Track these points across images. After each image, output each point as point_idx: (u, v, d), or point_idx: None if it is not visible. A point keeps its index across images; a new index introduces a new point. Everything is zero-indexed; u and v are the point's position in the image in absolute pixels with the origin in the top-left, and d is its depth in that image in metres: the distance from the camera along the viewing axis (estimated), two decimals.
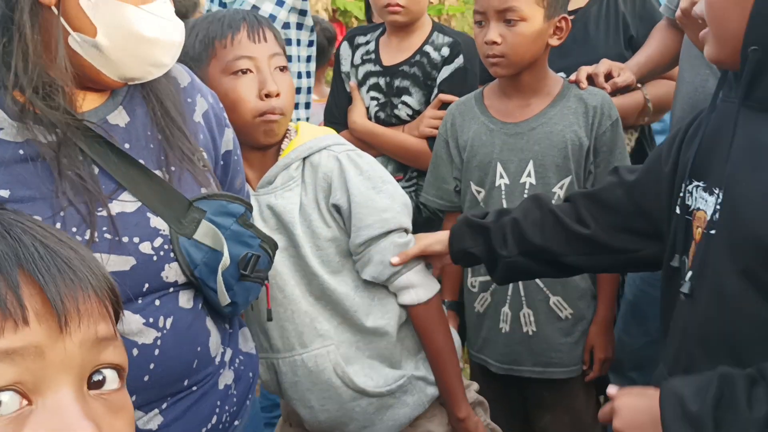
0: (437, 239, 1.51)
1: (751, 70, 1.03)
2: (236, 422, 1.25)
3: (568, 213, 1.39)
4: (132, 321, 1.05)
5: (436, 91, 2.07)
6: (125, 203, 1.06)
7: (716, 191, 1.09)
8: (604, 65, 1.82)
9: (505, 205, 1.72)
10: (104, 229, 1.03)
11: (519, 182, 1.72)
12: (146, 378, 1.07)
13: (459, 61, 2.06)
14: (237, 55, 1.37)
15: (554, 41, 1.70)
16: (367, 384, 1.45)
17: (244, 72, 1.38)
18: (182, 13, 2.76)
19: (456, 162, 1.81)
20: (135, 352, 1.05)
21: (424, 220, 2.01)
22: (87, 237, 1.01)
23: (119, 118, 1.10)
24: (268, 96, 1.38)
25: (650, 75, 1.95)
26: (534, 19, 1.64)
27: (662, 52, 1.94)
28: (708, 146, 1.14)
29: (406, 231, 1.48)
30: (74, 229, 1.00)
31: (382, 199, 1.43)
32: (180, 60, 1.32)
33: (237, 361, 1.26)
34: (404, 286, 1.47)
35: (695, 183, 1.16)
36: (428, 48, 2.09)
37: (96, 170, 1.05)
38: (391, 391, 1.47)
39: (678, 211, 1.19)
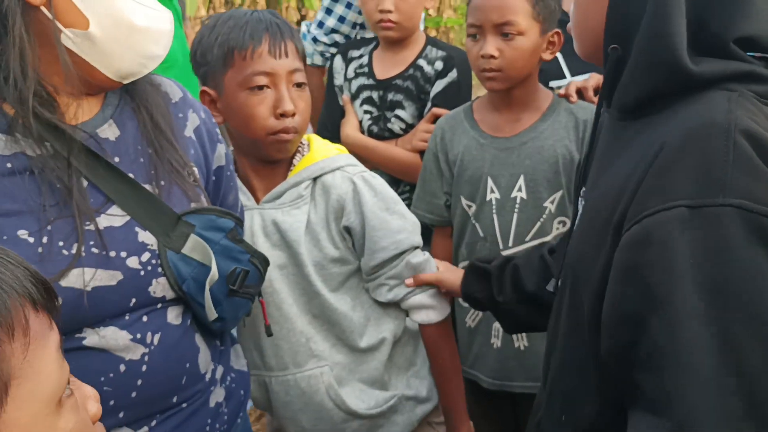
0: (455, 275, 1.51)
1: (610, 71, 0.95)
2: None
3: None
4: (119, 337, 1.05)
5: (429, 104, 2.07)
6: (113, 217, 1.05)
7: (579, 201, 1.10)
8: (594, 79, 1.82)
9: (495, 220, 1.72)
10: (91, 243, 1.02)
11: (510, 197, 1.71)
12: (134, 394, 1.07)
13: (452, 75, 2.06)
14: (256, 71, 1.34)
15: (547, 56, 1.70)
16: (359, 406, 1.45)
17: (261, 88, 1.35)
18: None
19: (446, 176, 1.81)
20: (122, 368, 1.05)
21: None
22: (74, 251, 1.00)
23: (109, 131, 1.10)
24: (283, 115, 1.35)
25: None
26: (531, 34, 1.64)
27: None
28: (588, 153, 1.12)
29: (419, 248, 1.48)
30: (61, 243, 1.00)
31: (396, 221, 1.43)
32: (196, 62, 1.40)
33: (228, 378, 1.25)
34: (417, 306, 1.48)
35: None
36: (422, 62, 2.10)
37: (85, 183, 1.04)
38: (382, 412, 1.47)
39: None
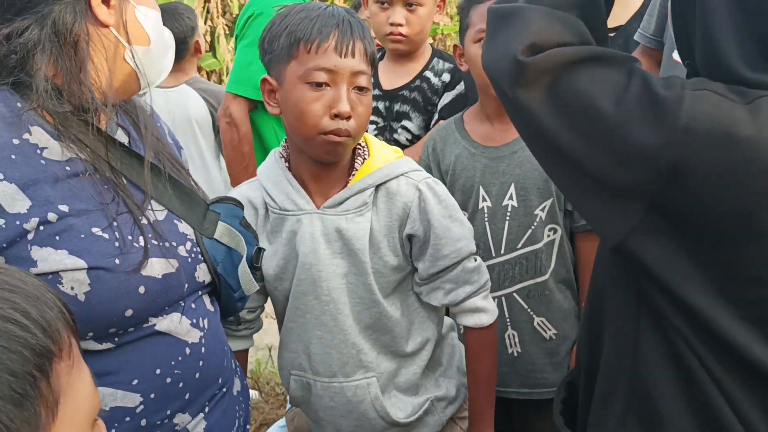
0: None
1: None
2: (248, 426, 1.30)
3: None
4: (183, 322, 1.11)
5: (436, 116, 2.08)
6: (155, 211, 1.12)
7: None
8: None
9: (488, 228, 1.75)
10: (150, 235, 1.08)
11: (501, 205, 1.74)
12: (197, 375, 1.13)
13: (460, 87, 2.09)
14: (318, 66, 1.29)
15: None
16: (398, 415, 1.45)
17: (320, 85, 1.30)
18: (181, 39, 2.82)
19: None
20: (187, 351, 1.11)
21: None
22: (142, 243, 1.05)
23: (122, 137, 1.15)
24: (337, 116, 1.30)
25: None
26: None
27: None
28: None
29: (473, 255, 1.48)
30: (129, 237, 1.05)
31: (456, 228, 1.42)
32: (263, 48, 1.38)
33: (238, 370, 1.31)
34: (472, 309, 1.47)
35: None
36: (428, 74, 2.12)
37: (125, 182, 1.10)
38: (419, 417, 1.48)
39: None
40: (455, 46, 1.80)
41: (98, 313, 1.00)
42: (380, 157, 1.41)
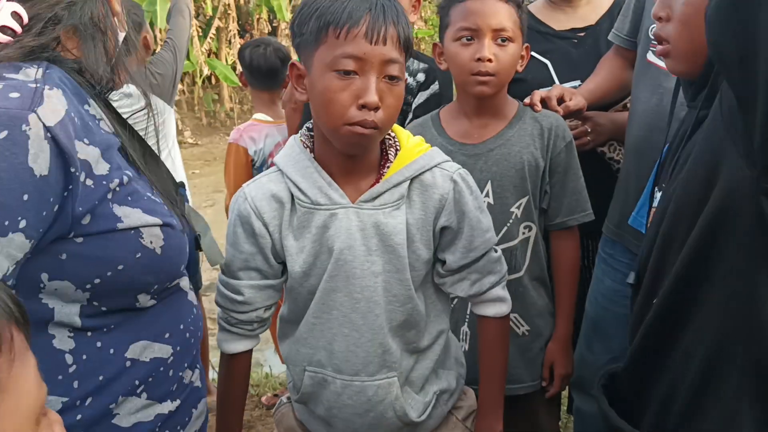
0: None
1: (713, 76, 1.11)
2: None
3: None
4: (188, 285, 1.23)
5: (410, 116, 2.09)
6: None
7: None
8: (557, 90, 1.89)
9: None
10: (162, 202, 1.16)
11: None
12: (199, 334, 1.23)
13: (434, 87, 2.10)
14: (346, 53, 1.22)
15: (519, 68, 1.74)
16: (413, 415, 1.44)
17: (348, 73, 1.23)
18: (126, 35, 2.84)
19: None
20: (195, 310, 1.23)
21: None
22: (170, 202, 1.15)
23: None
24: (364, 106, 1.23)
25: (600, 101, 2.03)
26: (518, 42, 1.70)
27: (610, 79, 2.03)
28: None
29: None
30: (160, 201, 1.13)
31: (485, 219, 1.42)
32: (293, 31, 1.33)
33: None
34: (495, 299, 1.47)
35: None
36: None
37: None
38: (429, 415, 1.47)
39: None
40: (435, 45, 1.81)
41: (169, 265, 1.11)
42: (414, 149, 1.38)
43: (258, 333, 1.47)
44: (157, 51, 3.21)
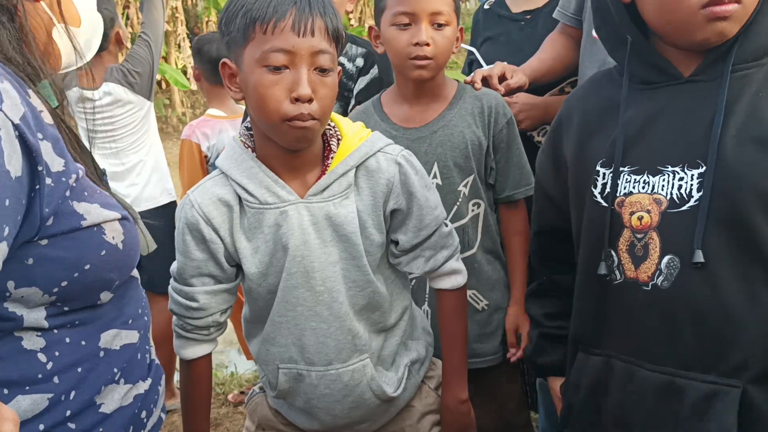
0: None
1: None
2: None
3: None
4: (135, 272, 1.20)
5: (353, 102, 2.10)
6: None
7: (673, 169, 1.15)
8: (499, 67, 1.92)
9: None
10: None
11: None
12: (150, 316, 1.23)
13: (374, 71, 2.11)
14: (275, 47, 1.21)
15: (454, 49, 1.77)
16: (389, 391, 1.47)
17: (278, 68, 1.22)
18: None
19: None
20: (143, 294, 1.22)
21: None
22: (106, 191, 1.10)
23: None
24: (298, 100, 1.23)
25: (543, 78, 2.06)
26: (453, 25, 1.71)
27: (554, 57, 2.06)
28: (630, 132, 1.22)
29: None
30: (98, 189, 1.09)
31: (433, 196, 1.44)
32: (221, 30, 1.32)
33: None
34: (450, 272, 1.49)
35: (621, 169, 1.21)
36: (342, 59, 2.12)
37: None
38: (404, 387, 1.50)
39: (599, 200, 1.24)
40: (371, 28, 1.83)
41: (129, 259, 1.09)
42: (354, 136, 1.38)
43: (215, 336, 1.47)
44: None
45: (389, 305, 1.46)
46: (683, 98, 1.20)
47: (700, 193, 1.10)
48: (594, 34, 1.85)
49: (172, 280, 1.41)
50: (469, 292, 1.80)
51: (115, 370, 1.09)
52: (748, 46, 1.16)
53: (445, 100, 1.81)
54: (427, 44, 1.67)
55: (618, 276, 1.21)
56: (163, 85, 9.89)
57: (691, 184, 1.12)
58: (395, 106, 1.84)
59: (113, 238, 1.04)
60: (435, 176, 1.78)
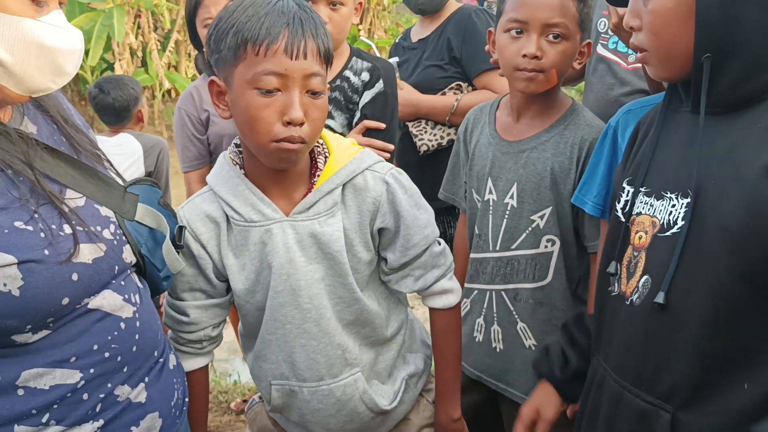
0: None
1: (707, 77, 1.10)
2: (186, 399, 1.33)
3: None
4: (115, 299, 1.14)
5: (358, 114, 2.10)
6: (74, 199, 1.12)
7: (670, 195, 1.16)
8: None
9: (490, 221, 1.71)
10: (73, 222, 1.08)
11: (503, 201, 1.69)
12: (134, 349, 1.17)
13: (379, 85, 2.11)
14: (267, 70, 1.19)
15: (576, 65, 1.62)
16: (383, 404, 1.46)
17: (270, 92, 1.21)
18: (124, 107, 3.17)
19: (466, 166, 1.82)
20: (122, 325, 1.15)
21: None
22: (69, 231, 1.06)
23: (30, 128, 1.15)
24: (290, 123, 1.22)
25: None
26: (574, 40, 1.58)
27: None
28: (652, 154, 1.23)
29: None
30: (54, 226, 1.05)
31: (422, 215, 1.40)
32: (209, 47, 1.29)
33: (170, 346, 1.34)
34: (440, 292, 1.47)
35: (639, 189, 1.23)
36: (348, 73, 2.13)
37: (38, 174, 1.09)
38: (401, 401, 1.49)
39: (620, 214, 1.27)
40: (489, 31, 1.72)
41: (35, 306, 1.01)
42: (341, 153, 1.37)
43: (209, 350, 1.47)
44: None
45: (383, 320, 1.44)
46: (691, 125, 1.20)
47: (683, 222, 1.13)
48: (599, 50, 1.98)
49: (167, 294, 1.43)
50: (520, 324, 1.72)
51: (34, 411, 1.05)
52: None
53: (548, 119, 1.65)
54: (536, 57, 1.55)
55: (616, 288, 1.25)
56: (173, 94, 9.86)
57: (679, 212, 1.14)
58: (503, 113, 1.74)
59: (5, 285, 0.99)
60: (512, 196, 1.67)
